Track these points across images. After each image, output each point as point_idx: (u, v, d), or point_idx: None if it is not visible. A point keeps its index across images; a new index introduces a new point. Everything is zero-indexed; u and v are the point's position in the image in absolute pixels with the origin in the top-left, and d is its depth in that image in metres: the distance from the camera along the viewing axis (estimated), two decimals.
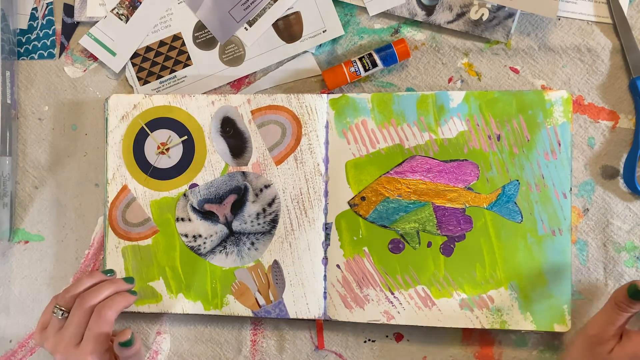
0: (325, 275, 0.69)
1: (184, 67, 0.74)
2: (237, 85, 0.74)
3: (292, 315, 0.70)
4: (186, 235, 0.71)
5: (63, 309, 0.64)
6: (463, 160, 0.68)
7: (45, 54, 0.77)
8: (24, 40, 0.77)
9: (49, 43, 0.77)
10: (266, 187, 0.70)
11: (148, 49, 0.74)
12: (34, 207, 0.77)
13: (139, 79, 0.75)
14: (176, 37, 0.74)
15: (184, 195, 0.71)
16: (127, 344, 0.63)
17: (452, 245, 0.68)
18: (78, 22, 0.76)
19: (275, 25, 0.72)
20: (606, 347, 0.60)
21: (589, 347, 0.61)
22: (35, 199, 0.77)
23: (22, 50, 0.77)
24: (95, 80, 0.76)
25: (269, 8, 0.72)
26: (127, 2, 0.74)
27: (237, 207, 0.70)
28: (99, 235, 0.75)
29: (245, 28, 0.73)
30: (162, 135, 0.72)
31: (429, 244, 0.68)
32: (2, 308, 0.77)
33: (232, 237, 0.70)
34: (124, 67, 0.75)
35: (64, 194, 0.76)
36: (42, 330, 0.65)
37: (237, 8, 0.72)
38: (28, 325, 0.76)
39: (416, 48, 0.72)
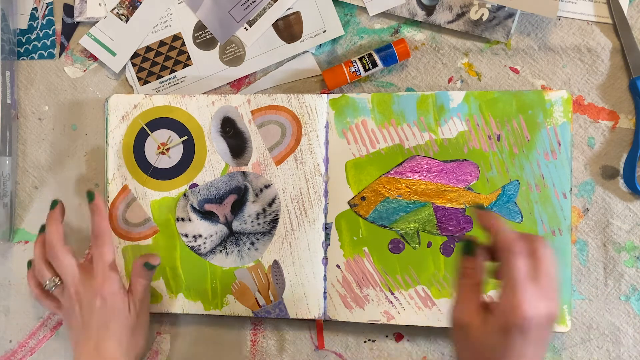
0: (325, 275, 0.70)
1: (184, 67, 0.74)
2: (237, 85, 0.74)
3: (292, 315, 0.70)
4: (186, 235, 0.71)
5: (54, 280, 0.68)
6: (463, 160, 0.68)
7: (45, 54, 0.77)
8: (24, 40, 0.77)
9: (49, 43, 0.77)
10: (266, 187, 0.70)
11: (148, 49, 0.74)
12: (34, 207, 0.77)
13: (139, 79, 0.75)
14: (176, 37, 0.74)
15: (184, 195, 0.71)
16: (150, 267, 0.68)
17: (452, 246, 0.68)
18: (78, 22, 0.76)
19: (275, 25, 0.72)
20: (477, 330, 0.53)
21: (464, 339, 0.54)
22: (35, 199, 0.77)
23: (22, 50, 0.77)
24: (95, 80, 0.76)
25: (269, 8, 0.72)
26: (127, 2, 0.74)
27: (237, 207, 0.70)
28: None
29: (245, 28, 0.73)
30: (162, 135, 0.72)
31: (429, 244, 0.68)
32: (2, 308, 0.77)
33: (232, 237, 0.71)
34: (124, 67, 0.75)
35: (64, 194, 0.76)
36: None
37: (237, 8, 0.72)
38: (28, 325, 0.76)
39: (416, 48, 0.72)
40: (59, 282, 0.68)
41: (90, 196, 0.68)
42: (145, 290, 0.69)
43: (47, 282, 0.68)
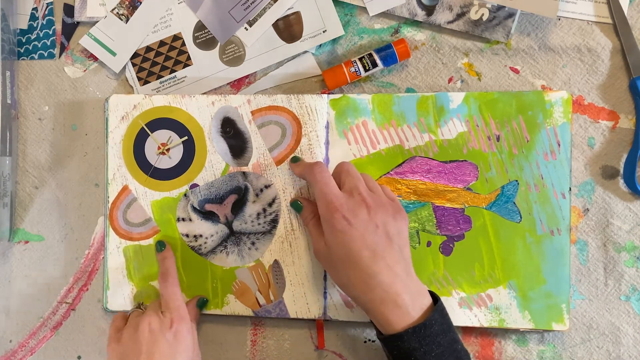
0: (325, 275, 0.70)
1: (184, 67, 0.74)
2: (237, 85, 0.74)
3: (292, 315, 0.70)
4: (187, 235, 0.71)
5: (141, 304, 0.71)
6: (462, 160, 0.68)
7: (45, 54, 0.77)
8: (24, 40, 0.77)
9: (49, 43, 0.77)
10: (266, 187, 0.70)
11: (148, 49, 0.74)
12: (34, 207, 0.77)
13: (139, 79, 0.75)
14: (176, 37, 0.74)
15: (185, 195, 0.71)
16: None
17: (451, 245, 0.68)
18: (78, 22, 0.76)
19: (275, 25, 0.72)
20: (329, 247, 0.62)
21: (330, 263, 0.62)
22: (35, 199, 0.77)
23: (22, 50, 0.77)
24: (95, 80, 0.76)
25: (269, 8, 0.72)
26: (127, 2, 0.74)
27: (238, 207, 0.70)
28: (99, 235, 0.75)
29: (245, 28, 0.73)
30: (162, 135, 0.72)
31: (429, 244, 0.68)
32: (2, 308, 0.77)
33: (232, 237, 0.71)
34: (124, 67, 0.75)
35: (64, 194, 0.76)
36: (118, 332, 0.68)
37: (237, 8, 0.72)
38: (28, 325, 0.76)
39: (416, 48, 0.72)
40: (142, 307, 0.69)
41: (162, 246, 0.71)
42: (196, 334, 0.69)
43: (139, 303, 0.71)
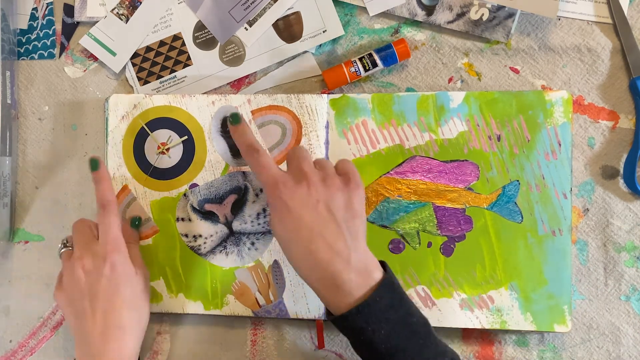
0: None
1: (184, 67, 0.74)
2: (237, 85, 0.74)
3: (292, 315, 0.70)
4: (186, 235, 0.71)
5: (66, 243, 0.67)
6: (463, 160, 0.68)
7: (45, 54, 0.77)
8: (24, 40, 0.77)
9: (49, 43, 0.77)
10: None
11: (148, 49, 0.74)
12: (34, 207, 0.77)
13: (139, 79, 0.75)
14: (176, 37, 0.74)
15: (184, 195, 0.71)
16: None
17: (452, 246, 0.68)
18: (78, 22, 0.76)
19: (275, 25, 0.72)
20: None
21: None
22: (35, 199, 0.77)
23: (22, 50, 0.77)
24: (95, 80, 0.76)
25: (269, 8, 0.72)
26: (127, 2, 0.74)
27: (238, 207, 0.70)
28: None
29: (245, 28, 0.73)
30: (162, 135, 0.72)
31: (429, 244, 0.68)
32: (2, 308, 0.77)
33: (232, 237, 0.71)
34: (124, 67, 0.75)
35: (64, 194, 0.76)
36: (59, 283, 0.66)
37: (237, 8, 0.72)
38: (28, 325, 0.76)
39: (416, 48, 0.72)
40: (69, 247, 0.66)
41: (94, 164, 0.66)
42: (139, 254, 0.68)
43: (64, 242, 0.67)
